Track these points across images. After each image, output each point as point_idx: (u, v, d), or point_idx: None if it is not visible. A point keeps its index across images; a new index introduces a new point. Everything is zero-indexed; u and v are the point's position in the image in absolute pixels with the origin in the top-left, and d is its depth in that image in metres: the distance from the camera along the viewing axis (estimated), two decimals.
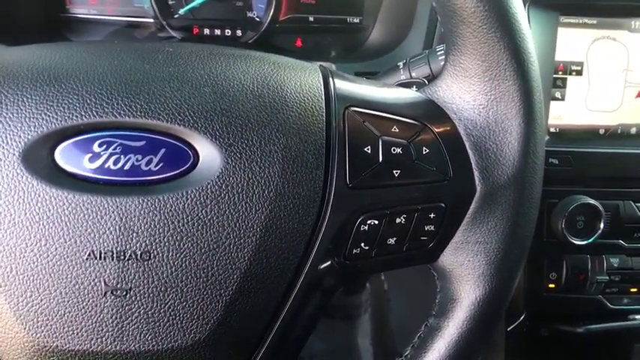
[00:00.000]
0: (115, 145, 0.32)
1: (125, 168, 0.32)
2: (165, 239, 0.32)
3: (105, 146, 0.32)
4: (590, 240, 0.67)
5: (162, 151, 0.32)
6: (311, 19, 0.78)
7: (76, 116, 0.32)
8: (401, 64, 0.53)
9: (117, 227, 0.31)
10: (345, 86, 0.37)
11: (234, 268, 0.33)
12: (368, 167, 0.35)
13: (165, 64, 0.35)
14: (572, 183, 0.68)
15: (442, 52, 0.50)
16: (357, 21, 0.78)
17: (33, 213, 0.31)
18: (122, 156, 0.32)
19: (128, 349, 0.32)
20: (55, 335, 0.32)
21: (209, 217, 0.32)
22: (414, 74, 0.51)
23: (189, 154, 0.33)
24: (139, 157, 0.32)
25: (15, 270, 0.31)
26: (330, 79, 0.38)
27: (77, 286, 0.31)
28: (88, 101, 0.32)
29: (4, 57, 0.35)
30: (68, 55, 0.35)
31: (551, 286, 0.69)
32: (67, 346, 0.32)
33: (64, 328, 0.32)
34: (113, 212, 0.31)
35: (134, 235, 0.31)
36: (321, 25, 0.78)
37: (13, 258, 0.31)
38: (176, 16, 0.75)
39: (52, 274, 0.31)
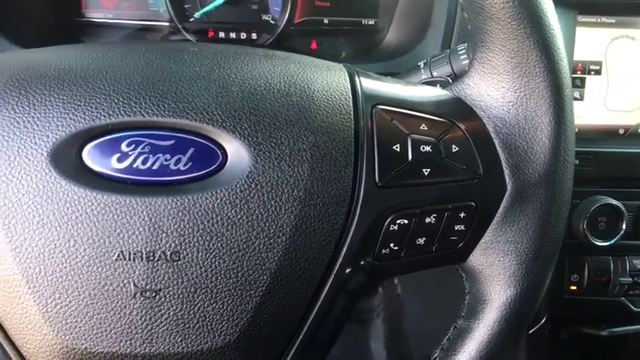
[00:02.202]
0: (144, 144, 0.32)
1: (154, 168, 0.32)
2: (195, 239, 0.31)
3: (133, 146, 0.32)
4: (612, 241, 0.66)
5: (191, 150, 0.32)
6: (326, 21, 0.77)
7: (104, 116, 0.32)
8: (422, 63, 0.52)
9: (146, 227, 0.31)
10: (372, 85, 0.37)
11: (263, 269, 0.32)
12: (397, 166, 0.34)
13: (192, 63, 0.35)
14: (593, 183, 0.67)
15: (464, 51, 0.50)
16: (372, 23, 0.78)
17: (61, 213, 0.31)
18: (151, 155, 0.32)
19: (157, 352, 0.32)
20: (84, 337, 0.31)
21: (238, 216, 0.32)
22: (435, 73, 0.51)
23: (217, 154, 0.32)
24: (168, 156, 0.32)
25: (44, 271, 0.31)
26: (356, 77, 0.37)
27: (106, 288, 0.31)
28: (116, 101, 0.32)
29: (29, 58, 0.35)
30: (94, 56, 0.35)
31: (573, 288, 0.68)
32: (96, 348, 0.31)
33: (93, 329, 0.31)
34: (142, 212, 0.31)
35: (163, 235, 0.31)
36: (335, 28, 0.77)
37: (42, 259, 0.31)
38: (191, 19, 0.75)
39: (81, 276, 0.31)
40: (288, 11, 0.75)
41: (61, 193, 0.31)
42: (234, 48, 0.38)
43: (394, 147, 0.34)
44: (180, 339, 0.32)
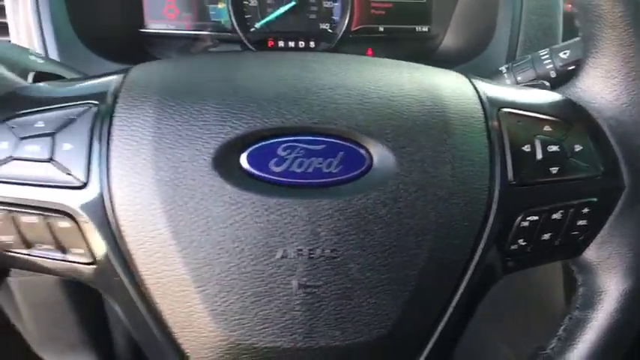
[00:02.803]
0: (298, 149, 0.34)
1: (309, 171, 0.34)
2: (350, 238, 0.33)
3: (289, 150, 0.34)
4: None
5: (341, 154, 0.34)
6: (381, 29, 0.79)
7: (259, 123, 0.34)
8: (504, 68, 0.55)
9: (307, 227, 0.33)
10: (491, 89, 0.39)
11: (412, 266, 0.34)
12: (528, 165, 0.36)
13: (325, 72, 0.37)
14: None
15: (547, 56, 0.52)
16: (426, 30, 0.80)
17: (227, 216, 0.32)
18: (305, 159, 0.34)
19: (318, 346, 0.33)
20: (248, 333, 0.33)
21: (389, 216, 0.33)
22: (519, 78, 0.53)
23: (364, 157, 0.34)
24: (321, 159, 0.34)
25: (211, 271, 0.33)
26: (475, 82, 0.39)
27: (270, 285, 0.33)
28: (268, 108, 0.34)
29: (173, 70, 0.37)
30: (232, 67, 0.37)
31: None
32: (260, 343, 0.33)
33: (257, 325, 0.33)
34: (302, 213, 0.33)
35: (323, 234, 0.33)
36: (390, 35, 0.80)
37: (208, 260, 0.32)
38: (252, 29, 0.77)
39: (246, 274, 0.33)
40: (346, 20, 0.77)
41: (226, 196, 0.33)
42: (354, 57, 0.40)
43: (524, 147, 0.36)
44: (338, 333, 0.34)
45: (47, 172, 0.33)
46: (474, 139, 0.36)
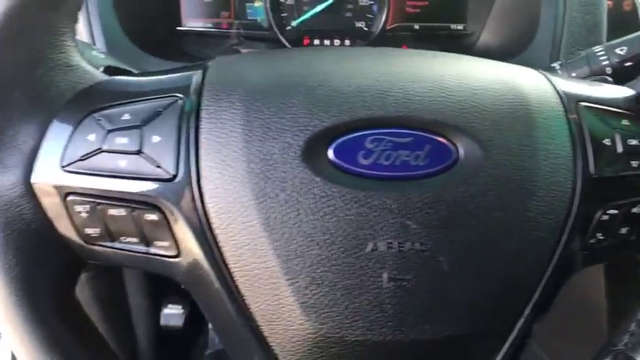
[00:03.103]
0: (385, 141, 0.34)
1: (396, 163, 0.33)
2: (439, 232, 0.33)
3: (376, 143, 0.34)
4: None
5: (428, 147, 0.34)
6: (416, 27, 0.80)
7: (346, 115, 0.34)
8: (557, 65, 0.55)
9: (395, 221, 0.33)
10: (564, 83, 0.39)
11: (500, 260, 0.34)
12: (609, 158, 0.36)
13: (404, 66, 0.37)
14: None
15: (602, 52, 0.52)
16: (461, 28, 0.80)
17: (317, 208, 0.32)
18: (392, 152, 0.34)
19: (407, 339, 0.33)
20: (338, 326, 0.33)
21: (477, 210, 0.33)
22: (573, 75, 0.53)
23: (451, 150, 0.34)
24: (408, 152, 0.34)
25: (301, 264, 0.32)
26: (548, 76, 0.39)
27: (360, 278, 0.33)
28: (354, 101, 0.34)
29: (253, 66, 0.37)
30: (310, 61, 0.37)
31: None
32: (350, 336, 0.33)
33: (347, 319, 0.33)
34: (391, 206, 0.33)
35: (412, 228, 0.33)
36: (425, 33, 0.80)
37: (299, 252, 0.32)
38: (288, 27, 0.77)
39: (337, 267, 0.33)
40: (383, 18, 0.77)
41: (316, 189, 0.32)
42: (424, 52, 0.40)
43: (604, 140, 0.36)
44: (427, 326, 0.33)
45: (136, 164, 0.33)
46: (556, 133, 0.36)
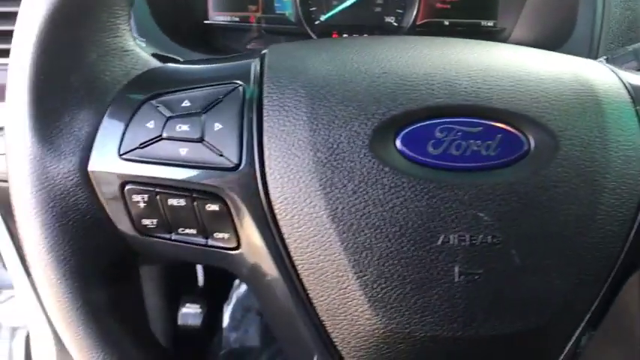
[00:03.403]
0: (455, 131, 0.32)
1: (466, 154, 0.32)
2: (511, 224, 0.32)
3: (446, 132, 0.32)
4: None
5: (499, 136, 0.33)
6: (446, 23, 0.78)
7: (413, 104, 0.32)
8: (602, 60, 0.54)
9: (467, 213, 0.31)
10: (628, 75, 0.38)
11: (572, 253, 0.33)
12: None
13: (468, 54, 0.36)
14: None
15: None
16: (491, 24, 0.79)
17: (386, 199, 0.31)
18: (463, 142, 0.32)
19: (477, 335, 0.32)
20: (407, 321, 0.32)
21: (549, 202, 0.32)
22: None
23: (521, 140, 0.33)
24: (479, 142, 0.32)
25: (370, 257, 0.31)
26: (611, 68, 0.38)
27: (431, 272, 0.31)
28: (421, 89, 0.33)
29: (313, 54, 0.36)
30: (376, 49, 0.36)
31: None
32: (419, 332, 0.32)
33: (416, 314, 0.32)
34: (463, 197, 0.31)
35: (484, 220, 0.32)
36: (455, 29, 0.79)
37: (368, 245, 0.31)
38: (317, 22, 0.76)
39: (407, 260, 0.31)
40: (413, 14, 0.76)
41: (385, 179, 0.31)
42: (481, 41, 0.39)
43: None
44: (498, 322, 0.32)
45: (198, 152, 0.32)
46: (626, 124, 0.35)
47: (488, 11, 0.79)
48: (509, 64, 0.35)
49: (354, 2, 0.76)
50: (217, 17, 0.76)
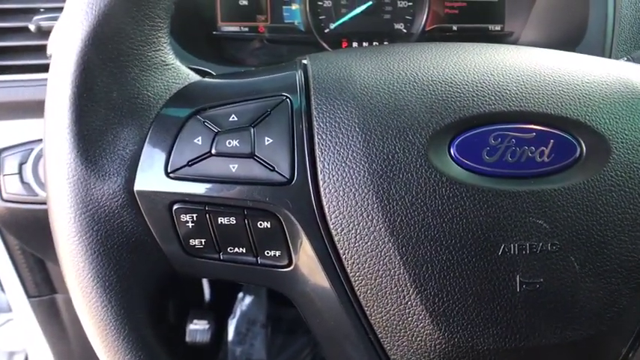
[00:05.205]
0: (509, 137, 0.32)
1: (522, 160, 0.32)
2: (569, 231, 0.31)
3: (500, 139, 0.32)
4: None
5: (551, 142, 0.32)
6: (454, 28, 0.79)
7: (466, 111, 0.32)
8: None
9: (526, 221, 0.31)
10: None
11: (631, 259, 0.32)
12: None
13: (511, 60, 0.35)
14: None
15: None
16: (499, 29, 0.79)
17: (445, 210, 0.30)
18: (517, 148, 0.32)
19: (538, 345, 0.31)
20: (470, 335, 0.31)
21: (605, 207, 0.32)
22: None
23: (574, 144, 0.33)
24: (532, 149, 0.32)
25: (431, 269, 0.30)
26: None
27: (492, 283, 0.31)
28: (472, 96, 0.32)
29: (357, 63, 0.35)
30: (419, 57, 0.35)
31: None
32: (482, 345, 0.31)
33: (478, 327, 0.31)
34: (521, 206, 0.31)
35: (542, 227, 0.31)
36: (464, 34, 0.79)
37: (428, 257, 0.30)
38: (326, 30, 0.75)
39: (467, 272, 0.31)
40: (422, 20, 0.76)
41: (443, 190, 0.31)
42: (513, 46, 0.39)
43: None
44: (559, 330, 0.32)
45: (249, 168, 0.31)
46: None
47: (496, 16, 0.79)
48: (553, 69, 0.35)
49: (364, 10, 0.75)
50: (226, 27, 0.75)
